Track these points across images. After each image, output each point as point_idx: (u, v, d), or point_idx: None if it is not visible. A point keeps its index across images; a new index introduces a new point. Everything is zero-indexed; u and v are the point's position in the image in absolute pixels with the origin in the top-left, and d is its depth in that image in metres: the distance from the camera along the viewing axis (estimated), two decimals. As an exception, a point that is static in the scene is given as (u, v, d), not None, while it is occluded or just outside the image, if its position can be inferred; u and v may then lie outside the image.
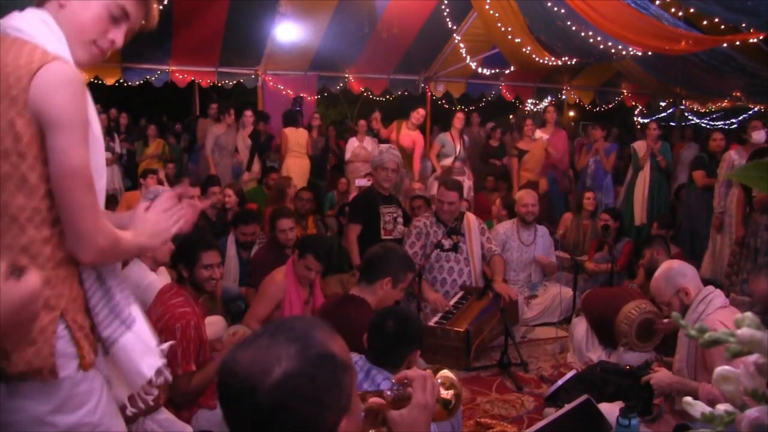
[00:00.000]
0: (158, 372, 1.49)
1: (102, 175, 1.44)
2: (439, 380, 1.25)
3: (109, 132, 7.74)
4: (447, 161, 7.12)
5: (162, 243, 1.54)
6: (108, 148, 7.47)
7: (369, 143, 7.69)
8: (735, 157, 5.11)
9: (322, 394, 0.88)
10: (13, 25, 1.34)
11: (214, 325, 3.52)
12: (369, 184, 6.58)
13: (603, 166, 7.21)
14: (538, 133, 7.14)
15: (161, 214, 1.50)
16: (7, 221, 1.29)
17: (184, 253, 2.87)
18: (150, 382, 1.48)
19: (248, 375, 0.87)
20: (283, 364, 0.87)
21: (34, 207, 1.30)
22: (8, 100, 1.27)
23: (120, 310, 1.46)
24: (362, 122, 7.99)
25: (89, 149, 1.34)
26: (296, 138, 7.42)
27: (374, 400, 1.15)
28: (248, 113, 7.57)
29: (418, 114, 7.22)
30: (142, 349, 1.47)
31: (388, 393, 1.15)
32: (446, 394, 1.24)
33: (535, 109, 10.59)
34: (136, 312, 1.49)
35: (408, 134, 7.31)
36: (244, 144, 7.47)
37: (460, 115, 7.23)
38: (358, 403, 0.99)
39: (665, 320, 3.44)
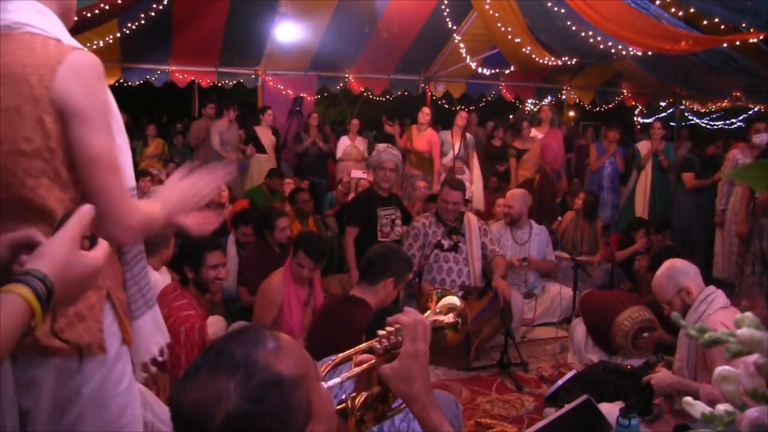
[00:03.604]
0: (161, 350, 1.57)
1: (128, 166, 1.47)
2: (438, 310, 1.26)
3: None
4: (445, 160, 7.07)
5: (191, 209, 1.54)
6: None
7: (361, 142, 7.67)
8: (739, 156, 5.13)
9: (272, 426, 0.83)
10: (13, 20, 1.34)
11: (215, 325, 3.53)
12: (365, 176, 6.60)
13: (618, 168, 7.19)
14: (533, 132, 7.11)
15: (192, 181, 1.53)
16: (48, 215, 1.31)
17: (190, 255, 2.87)
18: (153, 359, 1.55)
19: (193, 421, 0.83)
20: (224, 405, 0.82)
21: (71, 197, 1.33)
22: (32, 99, 1.28)
23: (147, 289, 1.53)
24: (355, 121, 7.98)
25: (111, 134, 1.37)
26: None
27: (362, 358, 1.12)
28: (270, 112, 7.53)
29: (424, 114, 7.10)
30: (154, 329, 1.54)
31: (378, 346, 1.12)
32: (448, 318, 1.24)
33: (534, 109, 10.60)
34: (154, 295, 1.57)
35: (421, 136, 7.15)
36: (269, 141, 7.43)
37: (463, 114, 7.16)
38: (324, 403, 0.94)
39: (645, 335, 3.45)
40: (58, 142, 1.31)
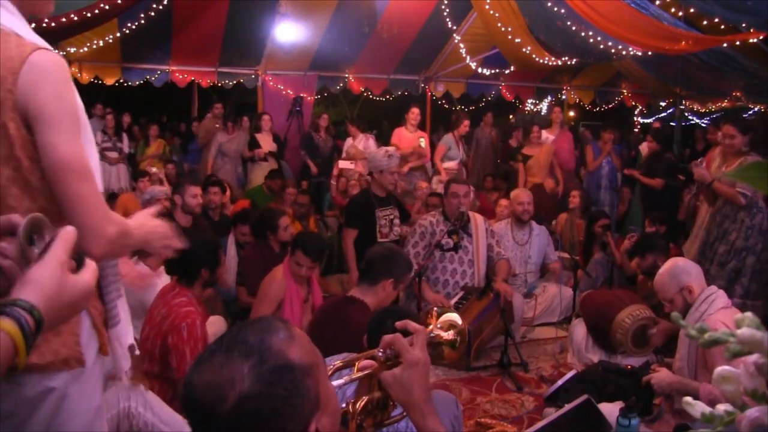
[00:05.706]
0: (132, 348, 1.52)
1: (95, 170, 1.39)
2: (439, 325, 1.27)
3: (117, 131, 7.77)
4: (451, 164, 7.10)
5: (151, 247, 1.48)
6: (114, 148, 7.52)
7: (361, 142, 7.70)
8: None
9: (281, 409, 0.87)
10: None
11: (215, 325, 3.52)
12: (353, 166, 6.65)
13: (616, 167, 7.23)
14: (544, 135, 7.13)
15: (160, 223, 1.48)
16: (14, 227, 1.25)
17: (210, 258, 2.86)
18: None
19: (205, 401, 0.86)
20: (237, 387, 0.85)
21: (40, 207, 1.26)
22: None
23: (122, 292, 1.47)
24: (351, 124, 8.09)
25: (81, 139, 1.29)
26: None
27: (365, 364, 1.14)
28: (266, 117, 7.60)
29: (415, 114, 7.12)
30: (128, 335, 1.49)
31: (380, 354, 1.14)
32: (448, 335, 1.25)
33: (535, 109, 10.59)
34: (123, 310, 1.49)
35: (411, 137, 7.16)
36: (270, 148, 7.44)
37: (467, 122, 7.27)
38: (330, 396, 0.97)
39: (654, 331, 3.43)
40: (22, 151, 1.23)
